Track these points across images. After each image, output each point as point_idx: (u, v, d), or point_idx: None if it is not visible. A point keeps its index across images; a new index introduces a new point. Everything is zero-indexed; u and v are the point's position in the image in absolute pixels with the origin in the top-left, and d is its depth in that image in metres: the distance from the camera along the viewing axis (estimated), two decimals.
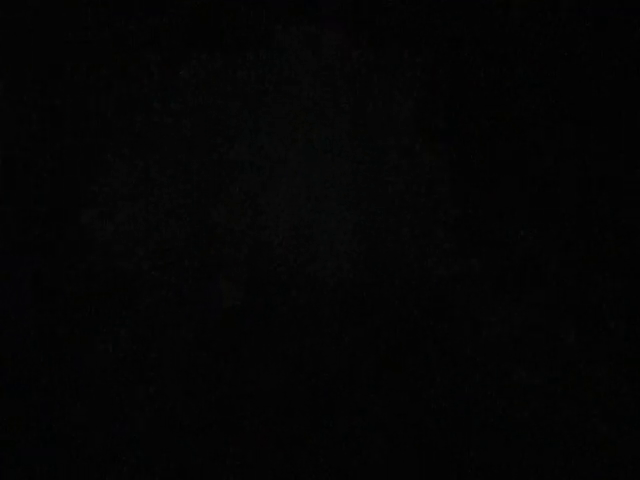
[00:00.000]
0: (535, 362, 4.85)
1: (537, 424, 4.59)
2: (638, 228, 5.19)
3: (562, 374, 4.81)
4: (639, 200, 5.18)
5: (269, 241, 5.24)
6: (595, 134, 5.33)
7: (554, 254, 5.27)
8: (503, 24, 5.33)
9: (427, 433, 4.57)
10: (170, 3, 5.12)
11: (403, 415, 4.63)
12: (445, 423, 4.54)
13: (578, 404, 4.69)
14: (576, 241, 5.23)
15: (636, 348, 4.87)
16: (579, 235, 5.25)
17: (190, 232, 5.30)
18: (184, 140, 5.17)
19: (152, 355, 4.69)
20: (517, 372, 4.82)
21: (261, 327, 5.02)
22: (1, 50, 5.39)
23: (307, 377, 4.74)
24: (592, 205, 5.26)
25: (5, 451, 4.43)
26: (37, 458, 4.46)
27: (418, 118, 5.43)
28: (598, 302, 5.13)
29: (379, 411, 4.64)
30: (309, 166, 5.33)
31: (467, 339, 4.85)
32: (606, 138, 5.35)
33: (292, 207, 5.32)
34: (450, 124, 5.38)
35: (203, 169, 5.35)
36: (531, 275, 5.09)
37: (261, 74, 5.25)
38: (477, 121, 5.38)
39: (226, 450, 4.47)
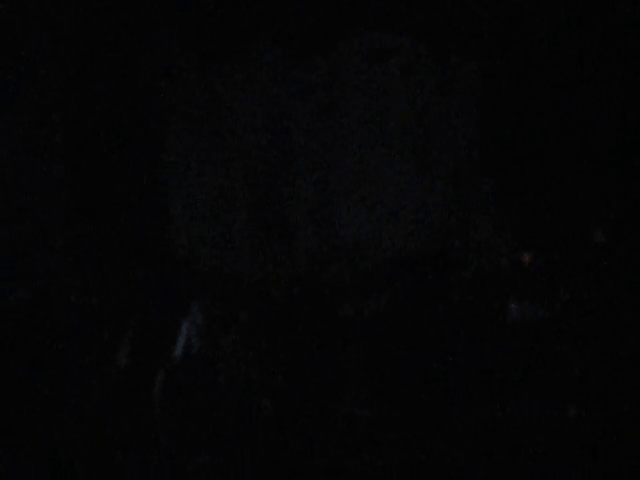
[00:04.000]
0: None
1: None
2: None
3: None
4: None
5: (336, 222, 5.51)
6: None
7: None
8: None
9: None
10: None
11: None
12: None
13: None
14: None
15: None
16: None
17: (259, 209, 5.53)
18: (257, 135, 5.48)
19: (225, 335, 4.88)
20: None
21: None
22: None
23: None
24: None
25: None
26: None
27: (476, 128, 5.66)
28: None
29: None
30: (372, 161, 5.61)
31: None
32: None
33: (359, 196, 5.60)
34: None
35: (274, 169, 5.64)
36: None
37: (329, 76, 5.54)
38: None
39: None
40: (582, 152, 5.68)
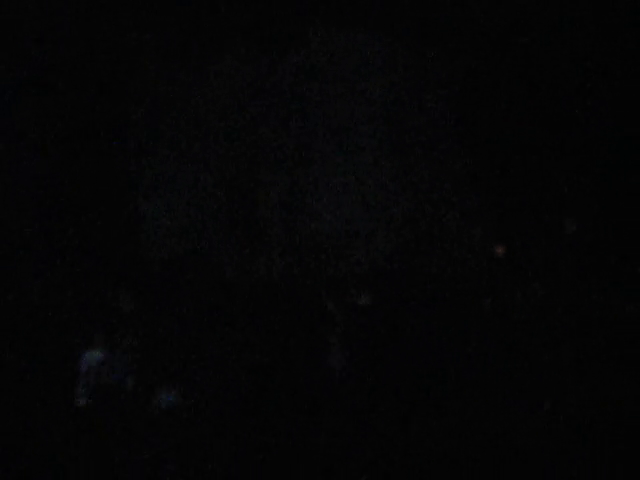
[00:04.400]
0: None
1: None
2: None
3: None
4: None
5: (309, 221, 5.55)
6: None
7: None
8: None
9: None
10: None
11: None
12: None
13: None
14: None
15: None
16: None
17: (233, 213, 5.57)
18: (228, 132, 5.53)
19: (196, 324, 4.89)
20: None
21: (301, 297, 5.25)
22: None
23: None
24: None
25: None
26: None
27: (452, 119, 5.68)
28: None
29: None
30: (346, 155, 5.64)
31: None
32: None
33: (332, 194, 5.63)
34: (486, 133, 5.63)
35: (246, 165, 5.69)
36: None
37: (300, 71, 5.58)
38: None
39: None
40: (554, 146, 5.73)
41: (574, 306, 4.86)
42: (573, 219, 5.37)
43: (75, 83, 5.53)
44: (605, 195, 5.56)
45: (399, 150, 5.72)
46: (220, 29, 5.62)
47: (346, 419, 4.46)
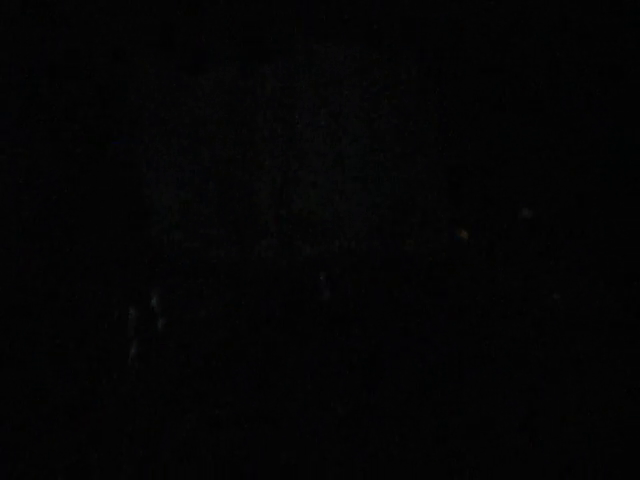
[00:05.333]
0: None
1: None
2: None
3: None
4: None
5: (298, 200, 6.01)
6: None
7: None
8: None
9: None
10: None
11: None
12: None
13: None
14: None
15: None
16: None
17: (226, 196, 6.00)
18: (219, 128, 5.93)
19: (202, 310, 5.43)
20: None
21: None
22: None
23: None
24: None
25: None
26: None
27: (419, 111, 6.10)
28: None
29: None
30: (331, 146, 6.13)
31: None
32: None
33: (317, 175, 6.08)
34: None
35: (239, 154, 6.13)
36: None
37: (287, 76, 6.02)
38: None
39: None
40: (528, 140, 6.26)
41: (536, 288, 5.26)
42: (530, 206, 5.90)
43: (79, 80, 5.79)
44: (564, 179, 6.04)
45: (377, 142, 6.26)
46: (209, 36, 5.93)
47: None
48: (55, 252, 5.68)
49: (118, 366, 4.81)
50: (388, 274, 5.95)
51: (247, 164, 6.17)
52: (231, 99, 6.01)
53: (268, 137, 6.09)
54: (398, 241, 6.30)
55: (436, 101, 6.22)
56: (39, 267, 5.46)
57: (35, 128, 5.79)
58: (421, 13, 6.02)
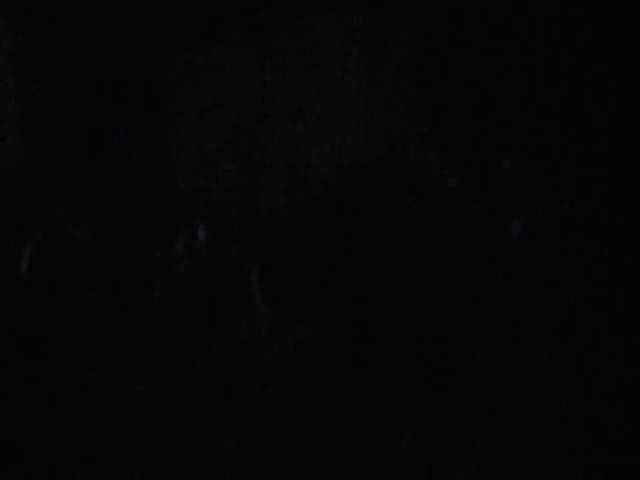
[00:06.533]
0: None
1: None
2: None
3: None
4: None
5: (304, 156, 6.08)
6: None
7: None
8: None
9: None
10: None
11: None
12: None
13: None
14: None
15: None
16: None
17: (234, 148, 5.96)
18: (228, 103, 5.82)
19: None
20: None
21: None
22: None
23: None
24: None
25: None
26: None
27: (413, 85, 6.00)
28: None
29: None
30: (331, 107, 6.11)
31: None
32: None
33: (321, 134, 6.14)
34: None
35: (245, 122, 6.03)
36: None
37: (285, 54, 5.84)
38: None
39: None
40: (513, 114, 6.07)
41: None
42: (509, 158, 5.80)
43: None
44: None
45: (371, 103, 6.27)
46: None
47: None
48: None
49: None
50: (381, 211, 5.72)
51: (257, 121, 6.11)
52: (242, 70, 5.92)
53: (276, 98, 6.02)
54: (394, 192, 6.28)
55: (424, 72, 6.03)
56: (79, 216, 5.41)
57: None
58: None
